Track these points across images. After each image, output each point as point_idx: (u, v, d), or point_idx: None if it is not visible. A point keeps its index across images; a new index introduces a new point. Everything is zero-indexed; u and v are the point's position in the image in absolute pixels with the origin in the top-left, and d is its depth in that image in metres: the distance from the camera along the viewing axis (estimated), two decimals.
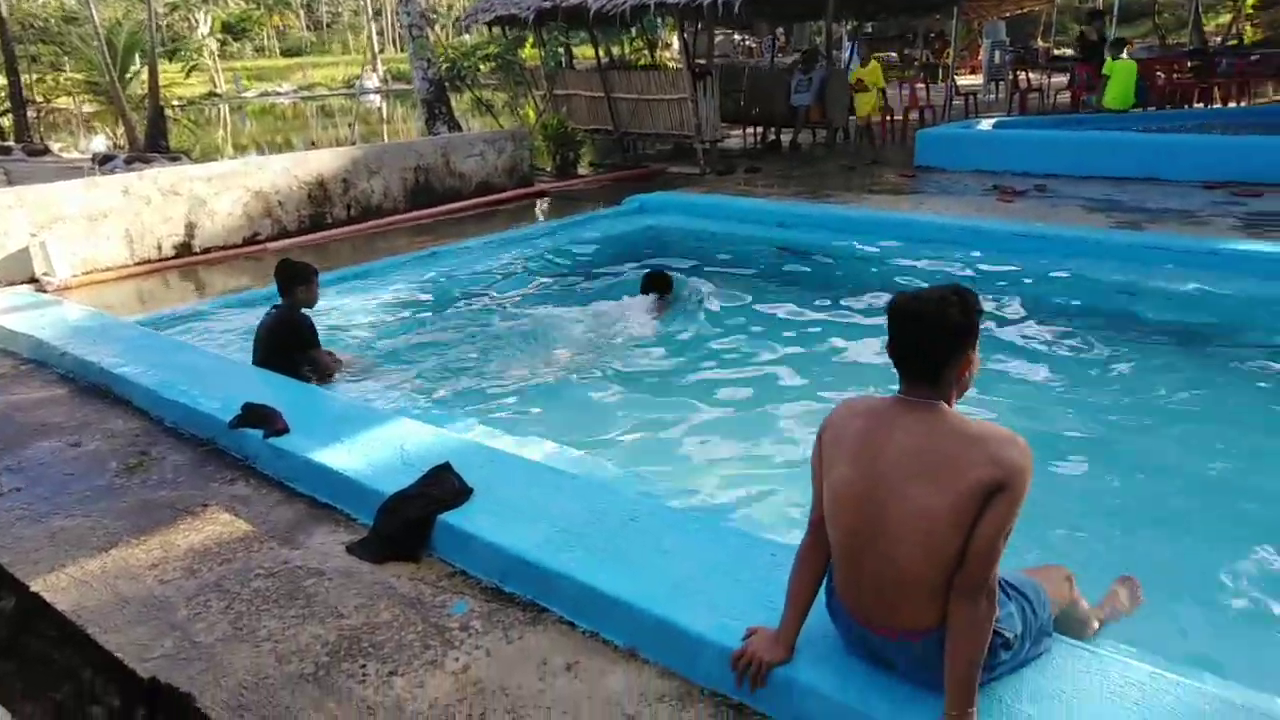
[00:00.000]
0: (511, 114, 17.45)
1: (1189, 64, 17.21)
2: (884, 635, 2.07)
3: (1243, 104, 14.65)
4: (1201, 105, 14.77)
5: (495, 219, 10.24)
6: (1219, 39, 22.17)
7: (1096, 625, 2.50)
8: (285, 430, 3.83)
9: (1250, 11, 26.47)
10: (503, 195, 11.25)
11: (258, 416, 3.96)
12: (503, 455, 3.59)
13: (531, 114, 15.89)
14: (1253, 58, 16.33)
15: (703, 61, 14.36)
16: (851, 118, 13.61)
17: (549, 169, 12.89)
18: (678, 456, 4.29)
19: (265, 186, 9.34)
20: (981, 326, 2.05)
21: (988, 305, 5.99)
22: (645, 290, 6.37)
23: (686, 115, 12.04)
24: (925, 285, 2.14)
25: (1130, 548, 3.29)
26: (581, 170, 13.06)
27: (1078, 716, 2.02)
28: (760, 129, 14.95)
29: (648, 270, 6.66)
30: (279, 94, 41.77)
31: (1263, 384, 4.87)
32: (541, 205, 11.24)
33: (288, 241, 9.16)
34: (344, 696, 2.38)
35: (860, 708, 2.10)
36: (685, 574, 2.65)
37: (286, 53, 55.79)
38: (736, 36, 27.50)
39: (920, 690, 2.08)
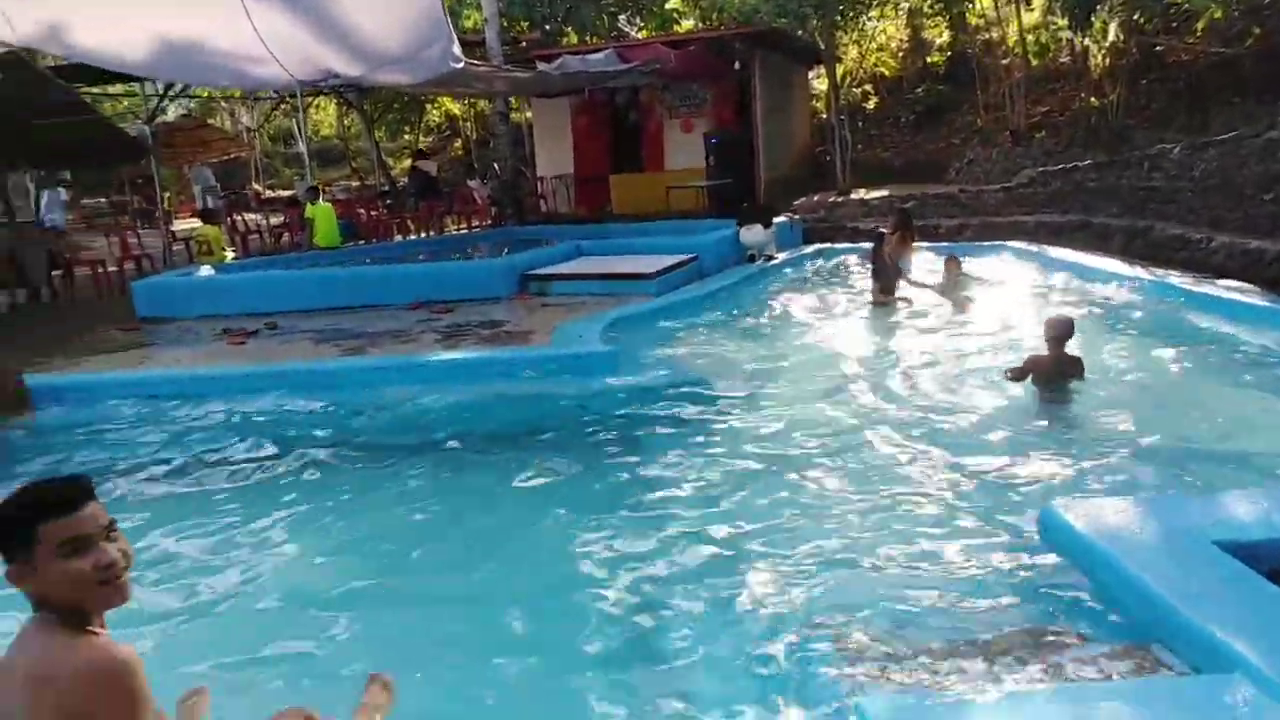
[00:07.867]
0: None
1: (386, 202, 19.78)
2: None
3: (430, 234, 17.36)
4: (400, 237, 17.07)
5: None
6: (404, 180, 26.01)
7: None
8: None
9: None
10: None
11: None
12: None
13: None
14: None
15: None
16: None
17: None
18: None
19: None
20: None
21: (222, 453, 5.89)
22: None
23: None
24: None
25: (386, 651, 3.49)
26: None
27: None
28: None
29: None
30: None
31: (484, 471, 5.62)
32: None
33: None
34: None
35: None
36: None
37: None
38: None
39: None
